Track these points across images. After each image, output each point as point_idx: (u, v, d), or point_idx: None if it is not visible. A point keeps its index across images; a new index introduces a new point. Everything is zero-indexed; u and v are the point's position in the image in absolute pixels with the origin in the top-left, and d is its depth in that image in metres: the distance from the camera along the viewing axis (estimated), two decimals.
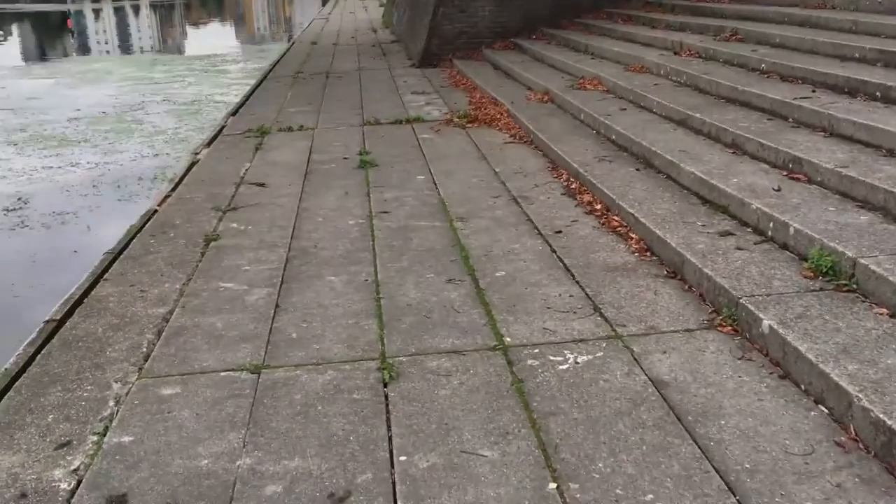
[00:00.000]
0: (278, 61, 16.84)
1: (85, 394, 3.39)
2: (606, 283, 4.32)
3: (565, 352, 3.56)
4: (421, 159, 7.51)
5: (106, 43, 35.92)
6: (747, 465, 2.66)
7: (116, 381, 3.48)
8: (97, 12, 66.40)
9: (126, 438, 3.03)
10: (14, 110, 11.71)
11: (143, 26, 47.40)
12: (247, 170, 7.38)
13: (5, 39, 35.40)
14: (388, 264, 4.79)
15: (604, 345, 3.61)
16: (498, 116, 9.03)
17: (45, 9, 63.87)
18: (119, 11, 64.78)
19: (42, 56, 28.86)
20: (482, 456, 2.80)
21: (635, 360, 3.46)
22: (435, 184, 6.62)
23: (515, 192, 6.21)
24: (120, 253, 5.24)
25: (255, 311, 4.18)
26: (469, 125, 8.85)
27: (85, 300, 4.45)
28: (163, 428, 3.09)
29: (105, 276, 4.79)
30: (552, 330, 3.79)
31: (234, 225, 5.70)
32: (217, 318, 4.10)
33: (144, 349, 3.80)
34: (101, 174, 7.96)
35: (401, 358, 3.59)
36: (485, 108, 9.57)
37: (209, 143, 8.77)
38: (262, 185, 6.80)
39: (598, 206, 5.62)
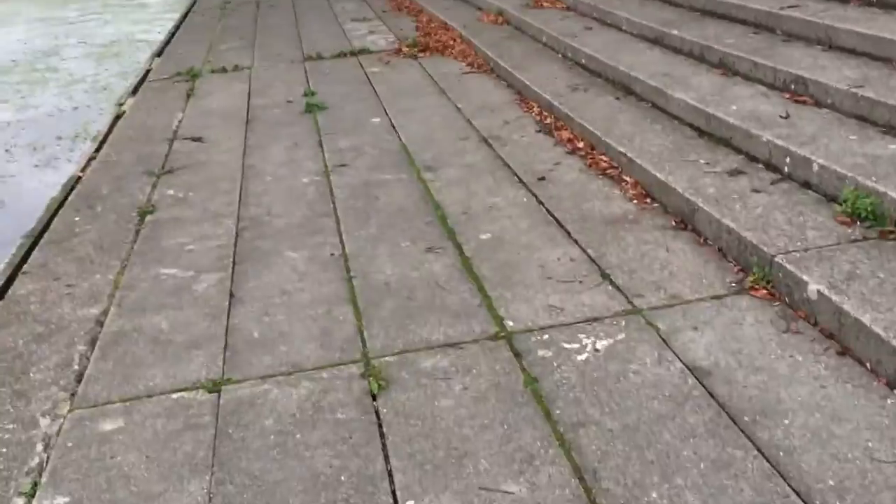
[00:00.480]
0: None
1: (6, 436, 2.77)
2: (609, 241, 3.78)
3: (580, 336, 3.04)
4: (373, 97, 6.79)
5: None
6: (832, 483, 2.19)
7: (44, 416, 2.86)
8: None
9: (60, 501, 2.43)
10: None
11: None
12: (180, 121, 6.58)
13: None
14: (354, 232, 4.17)
15: (623, 323, 3.10)
16: (451, 43, 8.29)
17: None
18: None
19: None
20: (507, 493, 2.28)
21: (664, 341, 2.95)
22: (393, 126, 5.95)
23: (484, 131, 5.58)
24: (40, 236, 4.51)
25: (207, 304, 3.55)
26: (421, 54, 8.10)
27: (0, 304, 3.75)
28: (105, 481, 2.50)
29: (23, 269, 4.08)
30: (559, 307, 3.25)
31: (171, 192, 4.98)
32: (161, 317, 3.47)
33: (76, 366, 3.17)
34: (13, 135, 7.03)
35: (387, 358, 3.02)
36: (435, 34, 8.80)
37: (134, 91, 7.88)
38: (198, 139, 6.04)
39: (581, 145, 5.04)
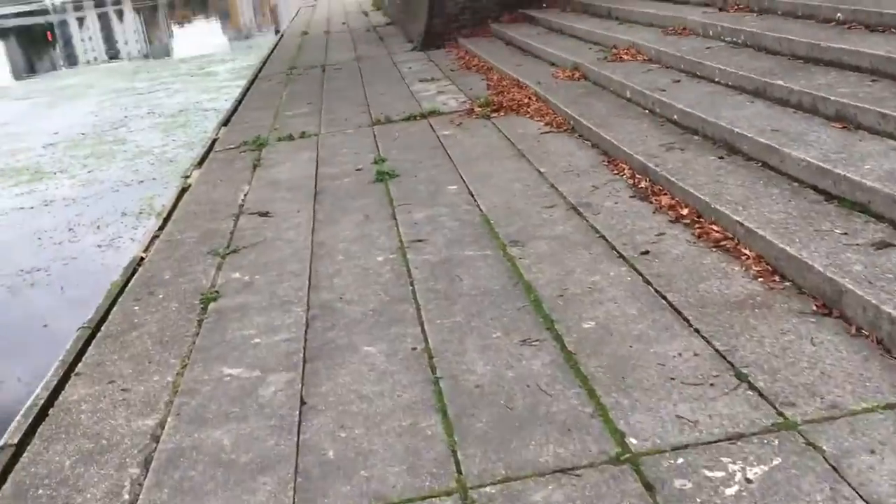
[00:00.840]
0: (269, 57, 15.68)
1: None
2: (737, 330, 3.22)
3: (724, 460, 2.47)
4: (447, 163, 6.39)
5: (93, 50, 34.77)
6: None
7: None
8: (81, 20, 65.09)
9: None
10: None
11: (129, 30, 46.11)
12: (246, 194, 6.28)
13: None
14: (437, 321, 3.69)
15: (776, 442, 2.52)
16: (525, 101, 7.87)
17: (28, 22, 62.55)
18: (103, 17, 63.40)
19: (31, 70, 27.76)
20: None
21: (833, 468, 2.36)
22: (471, 194, 5.51)
23: (572, 197, 5.09)
24: (97, 328, 4.17)
25: (275, 414, 3.10)
26: (494, 114, 7.71)
27: (50, 411, 3.38)
28: None
29: (77, 370, 3.72)
30: (690, 419, 2.70)
31: (237, 275, 4.61)
32: (224, 431, 3.03)
33: (127, 495, 2.74)
34: (78, 213, 6.87)
35: (487, 489, 2.51)
36: (508, 93, 8.41)
37: (200, 163, 7.68)
38: (265, 214, 5.71)
39: (685, 212, 4.50)
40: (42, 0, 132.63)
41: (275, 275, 4.54)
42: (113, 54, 29.63)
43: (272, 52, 16.64)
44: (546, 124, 7.07)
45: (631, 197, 4.95)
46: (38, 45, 38.63)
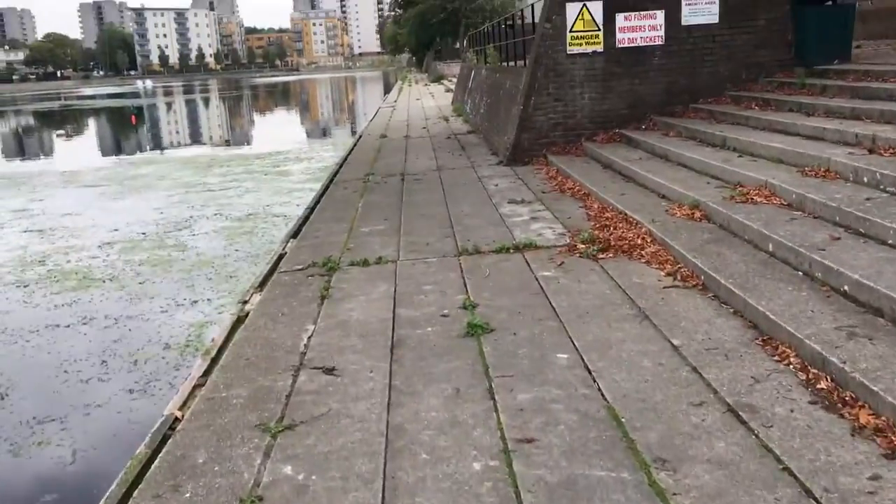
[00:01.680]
0: (346, 159, 15.09)
1: None
2: None
3: None
4: (552, 317, 5.30)
5: (177, 133, 35.47)
6: None
7: None
8: (169, 105, 67.67)
9: None
10: (43, 232, 10.05)
11: (213, 118, 47.33)
12: (310, 337, 5.27)
13: (69, 137, 35.11)
14: None
15: None
16: (638, 242, 6.80)
17: (117, 104, 65.09)
18: (190, 104, 65.61)
19: (114, 150, 28.09)
20: None
21: None
22: (588, 370, 4.39)
23: (727, 392, 3.92)
24: None
25: None
26: (601, 255, 6.64)
27: None
28: None
29: None
30: None
31: (289, 470, 3.53)
32: None
33: None
34: (116, 339, 5.97)
35: None
36: (615, 228, 7.37)
37: (261, 285, 6.76)
38: (331, 370, 4.66)
39: None
40: (135, 83, 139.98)
41: (338, 477, 3.44)
42: (194, 141, 29.94)
43: (349, 153, 16.10)
44: (668, 274, 5.95)
45: (811, 403, 3.75)
46: (121, 128, 39.66)
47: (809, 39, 11.81)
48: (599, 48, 12.02)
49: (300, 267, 7.14)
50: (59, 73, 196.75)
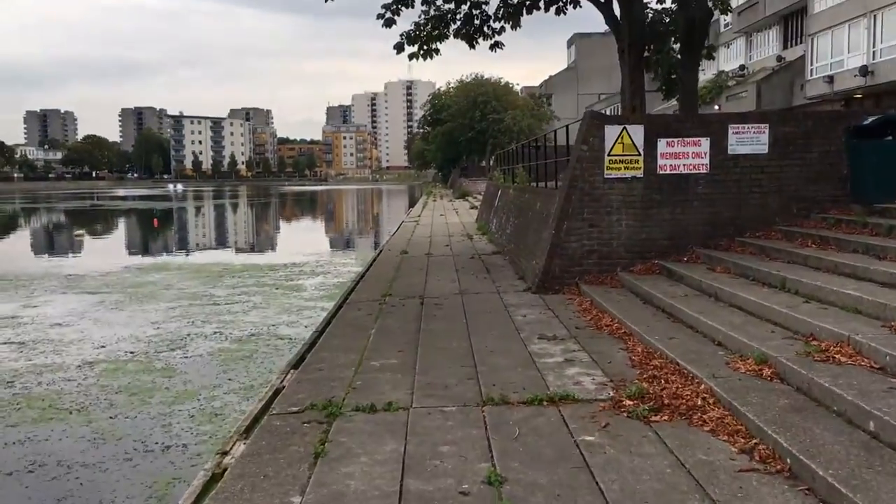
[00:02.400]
0: (363, 276, 14.21)
1: None
2: None
3: None
4: None
5: (199, 237, 35.14)
6: None
7: None
8: (195, 209, 68.23)
9: None
10: (24, 345, 9.13)
11: (237, 224, 47.26)
12: None
13: (87, 236, 34.82)
14: None
15: None
16: (697, 402, 5.70)
17: (145, 206, 65.71)
18: (217, 208, 66.04)
19: (131, 251, 27.59)
20: None
21: None
22: None
23: None
24: None
25: None
26: (654, 416, 5.54)
27: None
28: None
29: None
30: None
31: None
32: None
33: None
34: (60, 498, 4.87)
35: None
36: (665, 380, 6.29)
37: (248, 430, 5.71)
38: None
39: None
40: (167, 186, 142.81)
41: None
42: (212, 247, 29.45)
43: (368, 269, 15.24)
44: (741, 451, 4.83)
45: None
46: (142, 231, 39.46)
47: (866, 175, 10.99)
48: (639, 174, 11.27)
49: (296, 409, 6.09)
50: (94, 174, 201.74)
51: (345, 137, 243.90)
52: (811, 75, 33.37)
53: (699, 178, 11.28)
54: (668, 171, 11.27)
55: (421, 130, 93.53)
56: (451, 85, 71.57)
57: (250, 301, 12.50)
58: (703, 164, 11.25)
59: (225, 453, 5.35)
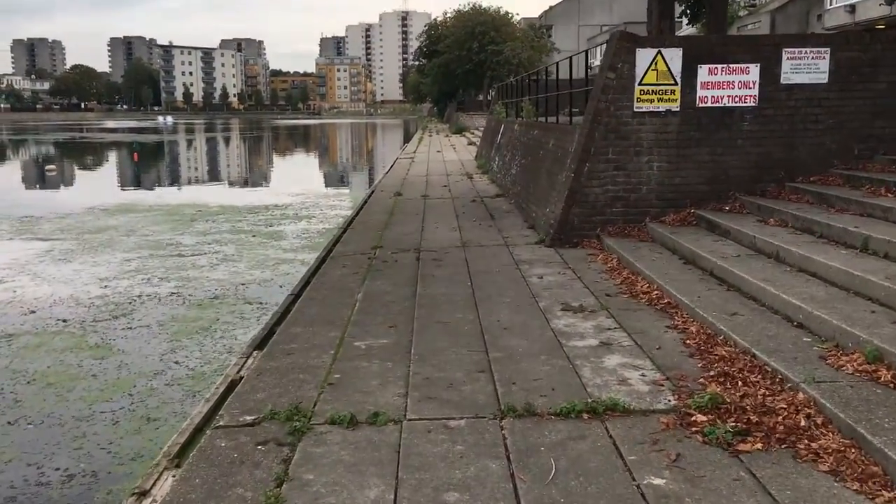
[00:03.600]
0: (352, 222, 12.57)
1: None
2: None
3: None
4: None
5: (178, 174, 33.43)
6: None
7: None
8: (182, 143, 65.83)
9: None
10: None
11: (222, 159, 45.25)
12: None
13: (54, 172, 32.84)
14: None
15: None
16: (798, 420, 4.15)
17: (129, 138, 63.38)
18: (204, 142, 63.62)
19: (101, 192, 25.91)
20: None
21: None
22: None
23: None
24: None
25: None
26: (740, 443, 3.98)
27: None
28: None
29: None
30: None
31: None
32: None
33: None
34: None
35: None
36: (742, 380, 4.74)
37: (181, 455, 4.16)
38: None
39: None
40: (156, 118, 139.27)
41: None
42: (192, 183, 27.69)
43: (357, 214, 13.58)
44: (874, 499, 3.28)
45: None
46: (120, 166, 37.42)
47: None
48: (675, 106, 9.53)
49: (251, 419, 4.53)
50: (83, 105, 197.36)
51: (339, 70, 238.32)
52: (830, 4, 31.20)
53: (745, 113, 9.56)
54: (708, 104, 9.54)
55: (416, 63, 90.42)
56: (448, 15, 68.59)
57: (220, 252, 10.85)
58: (750, 96, 9.52)
59: (143, 494, 3.81)
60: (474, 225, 11.81)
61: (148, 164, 37.04)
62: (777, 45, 9.51)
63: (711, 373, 4.97)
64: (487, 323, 6.42)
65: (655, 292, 7.14)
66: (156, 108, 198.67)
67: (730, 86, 9.50)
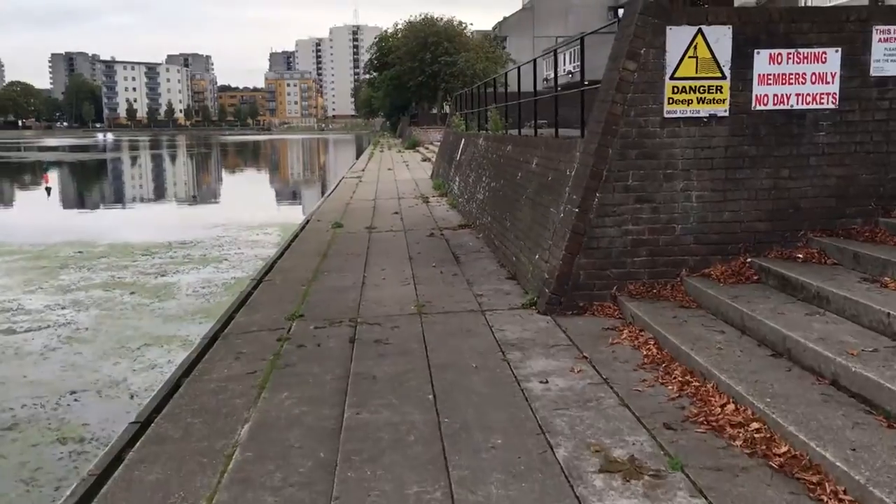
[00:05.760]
0: (270, 268, 9.38)
1: None
2: None
3: None
4: None
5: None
6: None
7: None
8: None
9: None
10: None
11: (146, 181, 41.37)
12: None
13: None
14: None
15: None
16: None
17: (53, 158, 59.05)
18: (138, 161, 59.34)
19: (25, 211, 22.15)
20: None
21: None
22: None
23: None
24: None
25: None
26: None
27: None
28: None
29: None
30: None
31: None
32: None
33: None
34: None
35: None
36: None
37: None
38: None
39: None
40: (96, 136, 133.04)
41: None
42: (99, 208, 24.06)
43: (279, 257, 10.35)
44: None
45: None
46: (22, 191, 33.28)
47: None
48: (723, 110, 6.61)
49: None
50: (20, 123, 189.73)
51: (289, 85, 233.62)
52: None
53: (821, 119, 6.67)
54: (769, 106, 6.64)
55: (368, 76, 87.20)
56: (399, 26, 65.63)
57: (72, 324, 7.60)
58: (829, 95, 6.64)
59: None
60: (434, 273, 8.72)
61: (57, 187, 32.93)
62: (865, 22, 6.63)
63: None
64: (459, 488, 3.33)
65: (754, 424, 4.13)
66: (97, 125, 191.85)
67: (799, 79, 6.61)
